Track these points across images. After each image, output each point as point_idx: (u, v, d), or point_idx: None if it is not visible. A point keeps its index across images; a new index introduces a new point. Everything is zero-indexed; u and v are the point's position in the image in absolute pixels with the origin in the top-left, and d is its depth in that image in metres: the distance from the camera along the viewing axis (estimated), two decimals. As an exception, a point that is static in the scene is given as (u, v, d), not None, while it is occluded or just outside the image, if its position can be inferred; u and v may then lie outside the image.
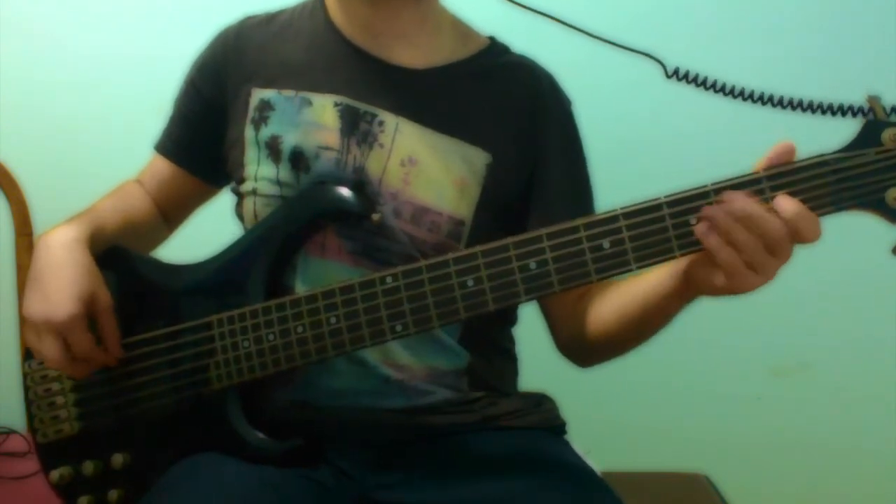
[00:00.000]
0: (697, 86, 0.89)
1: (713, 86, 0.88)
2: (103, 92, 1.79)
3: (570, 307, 1.02)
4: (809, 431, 1.81)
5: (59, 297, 0.91)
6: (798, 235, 0.75)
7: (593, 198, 1.06)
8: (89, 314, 0.93)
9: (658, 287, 0.87)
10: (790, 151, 0.77)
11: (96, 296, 0.93)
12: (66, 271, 0.93)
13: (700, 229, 0.77)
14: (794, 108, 0.83)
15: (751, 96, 0.86)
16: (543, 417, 1.05)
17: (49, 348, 0.92)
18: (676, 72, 0.90)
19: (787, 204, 0.75)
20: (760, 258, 0.76)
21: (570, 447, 1.02)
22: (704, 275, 0.79)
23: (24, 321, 0.95)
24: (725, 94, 0.87)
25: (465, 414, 1.00)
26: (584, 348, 1.01)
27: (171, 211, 1.18)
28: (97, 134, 1.80)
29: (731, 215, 0.76)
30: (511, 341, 1.11)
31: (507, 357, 1.10)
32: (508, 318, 1.09)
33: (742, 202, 0.76)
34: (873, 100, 0.76)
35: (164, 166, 1.15)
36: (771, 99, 0.85)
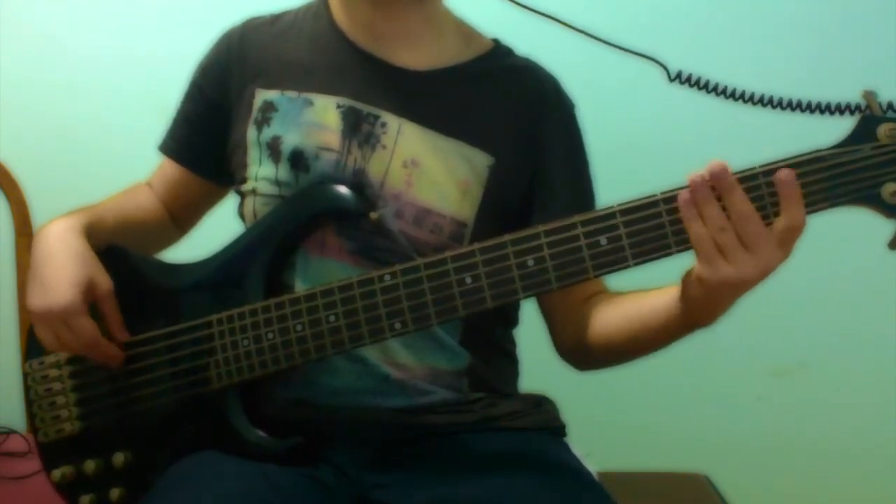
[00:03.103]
0: (700, 89, 0.89)
1: (715, 89, 0.88)
2: (103, 92, 1.80)
3: (573, 310, 1.02)
4: (809, 431, 1.81)
5: (57, 286, 0.92)
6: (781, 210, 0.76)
7: (595, 201, 1.06)
8: (90, 300, 0.94)
9: (664, 303, 0.87)
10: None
11: (95, 281, 0.94)
12: (61, 260, 0.93)
13: (683, 196, 0.78)
14: (793, 110, 0.84)
15: (751, 99, 0.86)
16: (543, 419, 1.05)
17: (57, 337, 0.93)
18: (679, 75, 0.90)
19: (782, 173, 0.76)
20: (728, 241, 0.76)
21: (568, 449, 1.02)
22: (690, 273, 0.80)
23: (29, 315, 0.96)
24: (727, 97, 0.88)
25: (464, 414, 1.00)
26: (583, 353, 1.02)
27: (180, 213, 1.19)
28: (97, 134, 1.80)
29: (709, 185, 0.77)
30: (512, 342, 1.11)
31: (507, 358, 1.10)
32: (510, 319, 1.09)
33: (723, 174, 0.77)
34: (869, 95, 0.77)
35: (170, 168, 1.16)
36: (771, 101, 0.85)
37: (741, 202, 0.76)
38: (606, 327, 0.97)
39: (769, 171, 0.77)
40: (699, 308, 0.83)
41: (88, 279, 0.93)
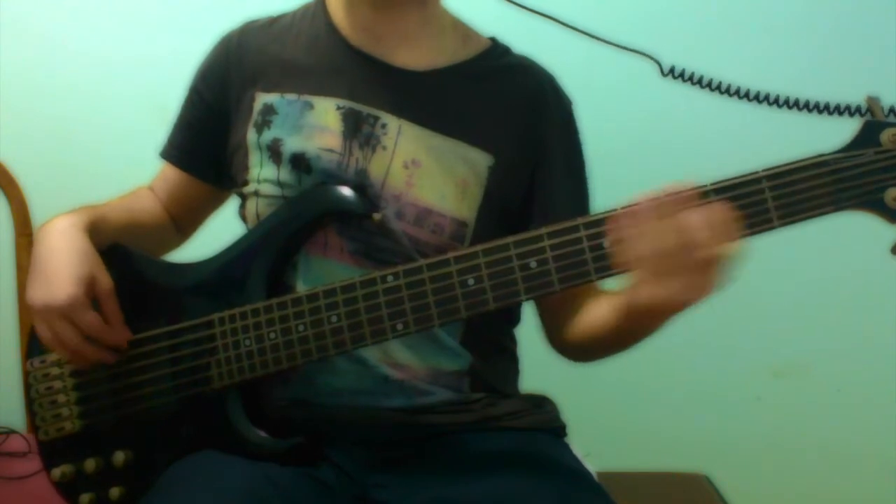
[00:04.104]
0: (693, 84, 0.89)
1: (709, 84, 0.88)
2: (103, 92, 1.79)
3: (556, 309, 1.03)
4: (809, 432, 1.81)
5: (59, 281, 0.92)
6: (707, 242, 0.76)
7: (590, 200, 1.07)
8: (91, 297, 0.94)
9: (615, 314, 0.88)
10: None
11: (96, 278, 0.94)
12: (63, 256, 0.93)
13: (620, 218, 0.79)
14: (790, 108, 0.84)
15: (746, 95, 0.86)
16: (543, 419, 1.05)
17: (56, 333, 0.93)
18: (672, 70, 0.90)
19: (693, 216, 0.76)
20: (668, 266, 0.76)
21: (568, 449, 1.02)
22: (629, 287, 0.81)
23: (30, 310, 0.95)
24: (721, 93, 0.88)
25: (464, 414, 1.00)
26: (567, 351, 1.04)
27: (182, 217, 1.19)
28: (97, 134, 1.80)
29: (656, 206, 0.78)
30: (513, 341, 1.11)
31: (508, 358, 1.10)
32: (511, 317, 1.10)
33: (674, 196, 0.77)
34: (872, 101, 0.77)
35: (171, 173, 1.16)
36: (767, 98, 0.85)
37: (686, 231, 0.76)
38: (577, 331, 0.99)
39: (772, 175, 0.77)
40: (637, 323, 0.85)
41: (90, 276, 0.93)
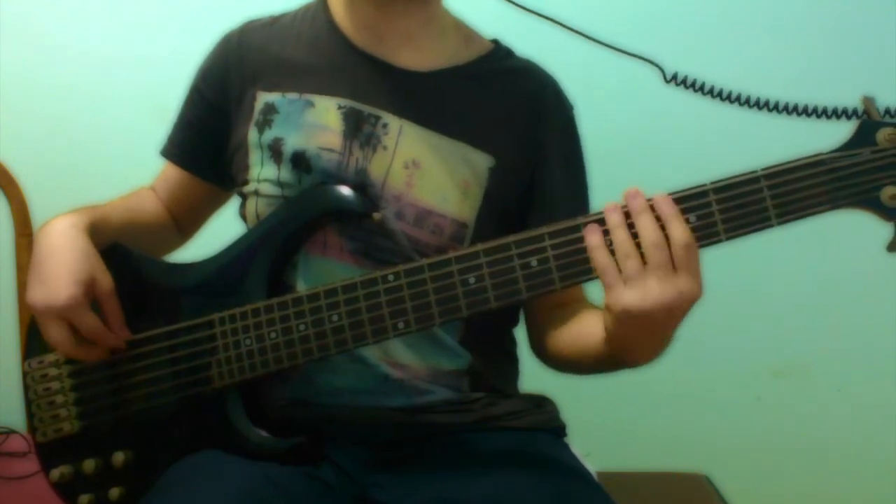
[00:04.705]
0: (695, 91, 0.90)
1: (711, 91, 0.89)
2: (103, 92, 1.80)
3: (541, 314, 1.03)
4: (809, 432, 1.81)
5: (59, 282, 0.91)
6: (670, 239, 0.77)
7: (589, 204, 1.08)
8: (91, 297, 0.93)
9: (599, 336, 0.87)
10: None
11: (96, 279, 0.94)
12: (63, 256, 0.93)
13: (589, 228, 0.81)
14: (789, 113, 0.85)
15: (747, 101, 0.87)
16: (543, 419, 1.05)
17: (55, 333, 0.92)
18: (675, 77, 0.90)
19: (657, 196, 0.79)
20: (632, 268, 0.78)
21: (568, 449, 1.02)
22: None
23: (29, 310, 0.95)
24: (723, 100, 0.88)
25: (464, 413, 1.00)
26: (551, 360, 1.03)
27: (183, 217, 1.19)
28: (97, 134, 1.80)
29: (622, 210, 0.79)
30: (512, 342, 1.11)
31: (508, 358, 1.10)
32: (511, 317, 1.10)
33: (636, 198, 0.79)
34: (868, 101, 0.78)
35: (172, 172, 1.16)
36: (767, 104, 0.86)
37: (651, 229, 0.78)
38: (558, 345, 0.99)
39: (770, 174, 0.77)
40: (619, 341, 0.84)
41: (90, 276, 0.93)
